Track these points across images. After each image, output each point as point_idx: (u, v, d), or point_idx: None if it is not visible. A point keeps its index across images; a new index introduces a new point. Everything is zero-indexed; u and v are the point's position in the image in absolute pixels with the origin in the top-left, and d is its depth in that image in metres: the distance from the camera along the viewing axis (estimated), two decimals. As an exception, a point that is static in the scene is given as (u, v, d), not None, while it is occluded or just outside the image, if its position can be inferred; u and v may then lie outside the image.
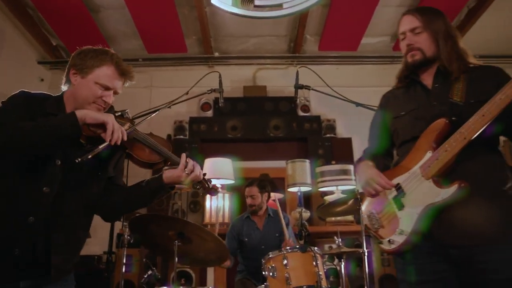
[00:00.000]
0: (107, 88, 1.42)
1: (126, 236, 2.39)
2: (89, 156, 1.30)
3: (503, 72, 1.44)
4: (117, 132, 1.32)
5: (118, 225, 2.78)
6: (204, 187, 1.50)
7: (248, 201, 3.38)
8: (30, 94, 1.40)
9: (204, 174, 1.51)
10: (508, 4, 4.18)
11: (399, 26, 1.57)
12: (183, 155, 1.45)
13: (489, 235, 1.28)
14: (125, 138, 1.35)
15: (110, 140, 1.31)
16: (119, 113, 1.48)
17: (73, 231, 1.40)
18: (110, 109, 1.48)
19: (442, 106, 1.43)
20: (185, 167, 1.43)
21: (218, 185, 3.90)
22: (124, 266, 2.46)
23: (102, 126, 1.33)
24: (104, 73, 1.42)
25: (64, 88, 1.48)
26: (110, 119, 1.33)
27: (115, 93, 1.49)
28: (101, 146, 1.32)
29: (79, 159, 1.29)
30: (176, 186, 1.50)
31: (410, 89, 1.56)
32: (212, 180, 1.56)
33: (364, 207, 1.61)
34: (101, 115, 1.35)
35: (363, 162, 1.62)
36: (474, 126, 1.29)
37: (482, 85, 1.40)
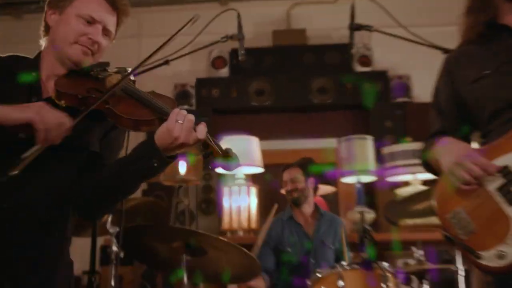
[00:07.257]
0: (92, 21, 1.48)
1: (114, 248, 2.43)
2: (16, 172, 1.24)
3: None
4: (52, 131, 1.27)
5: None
6: (213, 150, 1.43)
7: (288, 186, 3.38)
8: None
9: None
10: None
11: None
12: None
13: None
14: (69, 133, 1.31)
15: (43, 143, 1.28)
16: (116, 69, 1.51)
17: (39, 226, 1.43)
18: (101, 65, 1.51)
19: None
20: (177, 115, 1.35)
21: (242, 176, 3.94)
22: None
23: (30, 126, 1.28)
24: (87, 1, 1.50)
25: (43, 42, 1.57)
26: (37, 115, 1.26)
27: (106, 32, 1.53)
28: (29, 153, 1.26)
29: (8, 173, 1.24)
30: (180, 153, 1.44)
31: (490, 42, 1.59)
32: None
33: (440, 203, 1.56)
34: (24, 112, 1.28)
35: (446, 137, 1.63)
36: None
37: None
